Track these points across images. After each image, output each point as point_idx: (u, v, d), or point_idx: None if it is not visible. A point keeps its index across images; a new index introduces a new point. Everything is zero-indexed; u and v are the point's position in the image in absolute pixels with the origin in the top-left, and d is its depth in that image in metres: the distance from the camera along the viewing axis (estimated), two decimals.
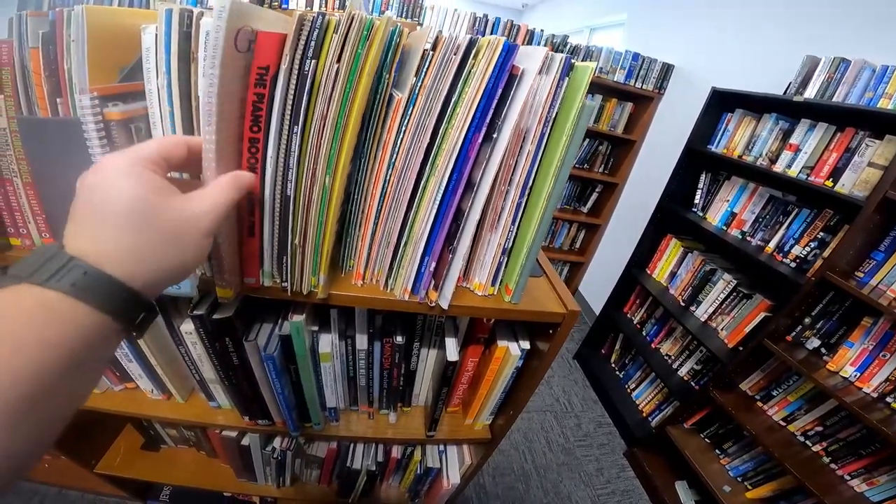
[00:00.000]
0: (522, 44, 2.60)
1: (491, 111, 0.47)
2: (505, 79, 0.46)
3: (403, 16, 2.55)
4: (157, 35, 0.45)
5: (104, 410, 0.87)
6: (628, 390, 2.34)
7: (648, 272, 2.23)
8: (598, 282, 3.03)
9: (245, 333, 0.67)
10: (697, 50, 2.40)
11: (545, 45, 2.56)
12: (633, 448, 2.12)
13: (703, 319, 1.87)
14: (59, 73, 0.48)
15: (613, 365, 2.53)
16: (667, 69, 2.48)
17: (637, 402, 2.25)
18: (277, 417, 0.84)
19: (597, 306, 2.80)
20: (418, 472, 1.13)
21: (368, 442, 1.14)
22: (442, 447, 1.14)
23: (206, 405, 0.87)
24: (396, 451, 1.13)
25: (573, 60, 0.48)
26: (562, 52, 2.38)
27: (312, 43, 0.44)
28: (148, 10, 0.57)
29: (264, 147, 0.48)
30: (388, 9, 2.59)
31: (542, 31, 2.55)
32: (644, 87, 2.52)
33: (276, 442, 1.08)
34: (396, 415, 0.92)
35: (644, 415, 2.18)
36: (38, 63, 0.48)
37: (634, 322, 2.33)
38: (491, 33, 2.63)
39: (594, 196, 3.01)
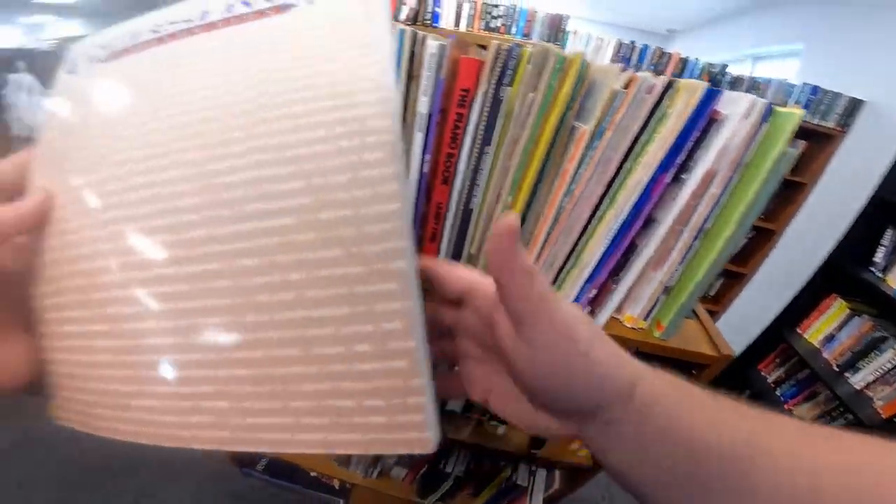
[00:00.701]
0: (674, 72, 2.46)
1: (683, 153, 0.47)
2: (703, 123, 0.46)
3: (546, 41, 2.59)
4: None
5: None
6: None
7: (799, 331, 1.95)
8: (730, 334, 2.69)
9: None
10: None
11: (701, 75, 2.41)
12: None
13: (858, 387, 1.61)
14: None
15: None
16: (854, 104, 2.15)
17: None
18: None
19: None
20: (503, 486, 1.13)
21: (469, 449, 1.17)
22: (534, 467, 1.13)
23: None
24: (488, 463, 1.15)
25: (774, 106, 0.47)
26: (721, 82, 2.20)
27: (509, 71, 0.50)
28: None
29: (457, 162, 0.55)
30: (530, 33, 2.65)
31: (696, 59, 2.39)
32: (823, 123, 2.21)
33: None
34: (505, 427, 0.94)
35: None
36: None
37: (769, 380, 2.07)
38: (638, 61, 2.54)
39: (742, 242, 2.70)
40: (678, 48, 2.54)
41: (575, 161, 0.53)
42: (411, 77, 0.54)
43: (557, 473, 1.13)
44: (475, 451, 1.16)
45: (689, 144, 0.47)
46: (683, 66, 2.38)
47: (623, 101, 0.49)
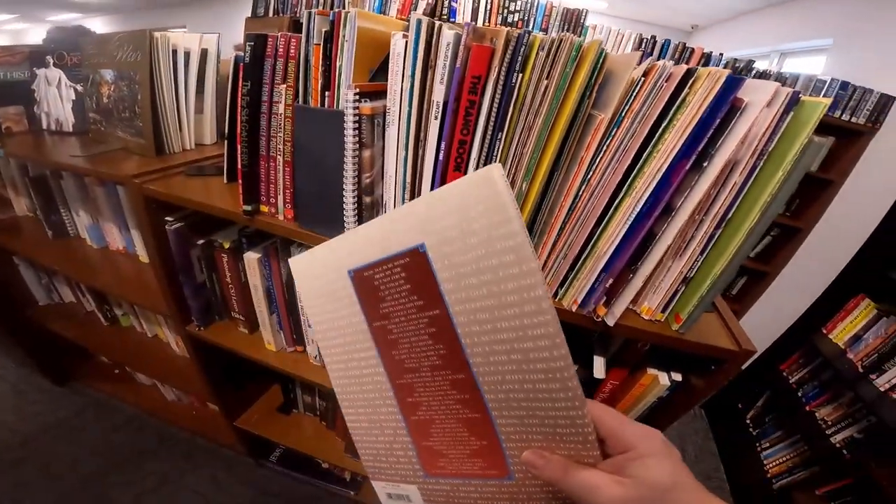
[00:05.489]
0: (697, 66, 2.42)
1: (704, 140, 0.46)
2: (725, 110, 0.45)
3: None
4: (407, 42, 0.53)
5: (274, 367, 0.98)
6: (758, 449, 2.08)
7: (824, 332, 1.91)
8: (753, 334, 2.64)
9: None
10: None
11: (725, 70, 2.35)
12: None
13: (883, 389, 1.58)
14: (332, 69, 0.58)
15: (749, 421, 2.24)
16: (886, 101, 2.07)
17: (765, 463, 2.01)
18: None
19: None
20: None
21: None
22: None
23: None
24: None
25: (801, 96, 0.45)
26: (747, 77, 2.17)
27: (519, 58, 0.49)
28: (393, 19, 0.66)
29: (470, 149, 0.55)
30: (548, 28, 2.62)
31: (720, 54, 2.34)
32: (853, 119, 2.14)
33: None
34: None
35: (769, 475, 1.94)
36: (318, 59, 0.59)
37: (791, 381, 2.04)
38: (659, 56, 2.49)
39: (767, 240, 2.64)
40: (702, 44, 2.48)
41: (592, 149, 0.52)
42: (427, 66, 0.54)
43: None
44: None
45: (710, 132, 0.46)
46: (707, 61, 2.32)
47: (641, 89, 0.49)
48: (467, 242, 0.29)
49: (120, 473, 1.51)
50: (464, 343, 0.32)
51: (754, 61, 2.33)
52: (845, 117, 2.15)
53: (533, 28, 2.64)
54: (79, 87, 1.08)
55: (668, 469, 0.28)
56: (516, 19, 2.71)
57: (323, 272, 0.37)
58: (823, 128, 2.23)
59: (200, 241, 0.87)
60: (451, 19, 2.54)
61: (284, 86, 0.63)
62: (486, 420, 0.34)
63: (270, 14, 2.70)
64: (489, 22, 2.67)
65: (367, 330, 0.36)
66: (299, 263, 0.38)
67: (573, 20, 2.63)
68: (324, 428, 1.37)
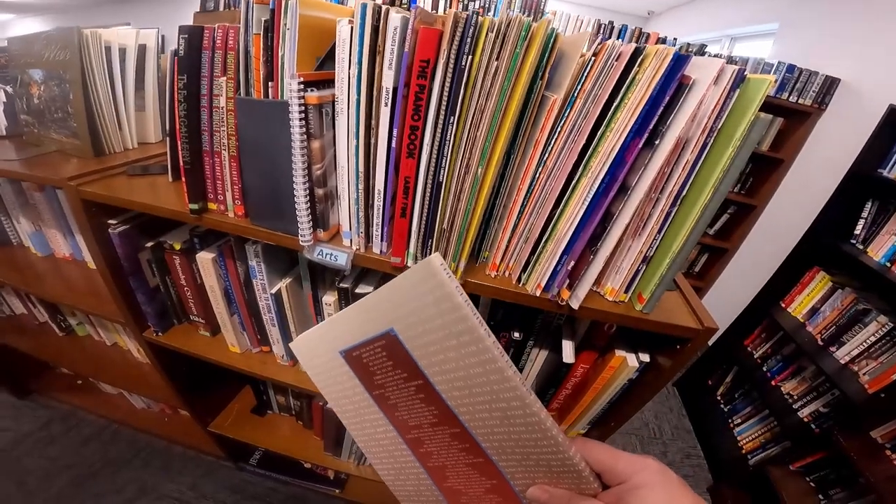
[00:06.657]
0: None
1: (655, 118, 0.46)
2: (673, 87, 0.45)
3: None
4: (352, 28, 0.51)
5: (240, 370, 0.96)
6: (731, 425, 2.14)
7: (783, 306, 1.98)
8: (717, 311, 2.74)
9: None
10: (872, 64, 2.06)
11: (671, 48, 2.42)
12: (719, 483, 1.95)
13: (843, 362, 1.63)
14: (274, 59, 0.55)
15: (719, 398, 2.31)
16: (830, 83, 2.17)
17: (739, 439, 2.06)
18: None
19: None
20: None
21: None
22: None
23: None
24: None
25: (746, 73, 0.46)
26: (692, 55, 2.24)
27: (469, 40, 0.48)
28: (339, 6, 0.63)
29: (422, 135, 0.53)
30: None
31: (674, 39, 2.39)
32: (800, 101, 2.23)
33: None
34: None
35: (743, 451, 1.99)
36: (259, 49, 0.55)
37: (755, 356, 2.10)
38: (617, 40, 2.54)
39: (725, 217, 2.74)
40: (657, 30, 2.54)
41: (546, 131, 0.52)
42: (376, 52, 0.52)
43: None
44: None
45: (660, 109, 0.46)
46: (662, 45, 2.38)
47: (592, 69, 0.48)
48: (426, 328, 0.32)
49: (96, 485, 1.47)
50: (450, 405, 0.35)
51: (706, 45, 2.40)
52: (793, 99, 2.24)
53: (494, 16, 2.63)
54: (8, 89, 1.00)
55: (662, 497, 0.30)
56: (477, 6, 2.69)
57: (319, 353, 0.42)
58: (772, 109, 2.32)
59: (149, 244, 0.82)
60: (412, 7, 2.49)
61: (224, 78, 0.60)
62: (489, 463, 0.37)
63: (221, 8, 2.60)
64: (451, 6, 2.65)
65: (370, 397, 0.41)
66: (297, 346, 0.44)
67: (533, 6, 2.64)
68: (301, 427, 1.35)
